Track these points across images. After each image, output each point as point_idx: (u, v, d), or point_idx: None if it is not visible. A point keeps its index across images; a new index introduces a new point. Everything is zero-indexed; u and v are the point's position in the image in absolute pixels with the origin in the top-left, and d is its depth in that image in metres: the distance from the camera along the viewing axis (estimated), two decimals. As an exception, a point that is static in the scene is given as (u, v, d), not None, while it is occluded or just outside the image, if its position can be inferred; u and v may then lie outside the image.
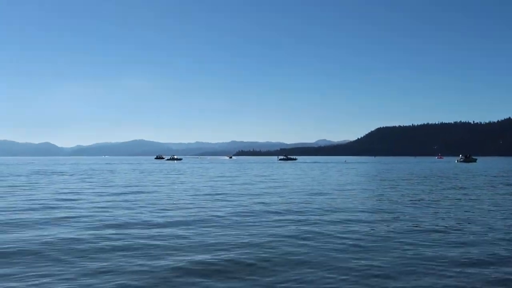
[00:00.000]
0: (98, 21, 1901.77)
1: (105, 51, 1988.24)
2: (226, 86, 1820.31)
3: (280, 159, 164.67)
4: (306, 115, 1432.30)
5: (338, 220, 15.90)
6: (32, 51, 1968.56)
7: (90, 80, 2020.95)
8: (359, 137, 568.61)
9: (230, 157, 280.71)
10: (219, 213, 17.51)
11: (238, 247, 11.43)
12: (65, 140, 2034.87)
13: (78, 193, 26.71)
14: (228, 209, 19.02)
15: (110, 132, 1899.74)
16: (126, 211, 18.15)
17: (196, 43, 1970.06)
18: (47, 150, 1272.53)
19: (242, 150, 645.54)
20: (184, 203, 21.17)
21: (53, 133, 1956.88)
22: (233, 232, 13.48)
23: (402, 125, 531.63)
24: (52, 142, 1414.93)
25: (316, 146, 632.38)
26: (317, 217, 16.43)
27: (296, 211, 18.16)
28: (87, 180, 41.03)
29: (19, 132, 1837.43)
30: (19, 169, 73.43)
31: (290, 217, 16.58)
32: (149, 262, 9.93)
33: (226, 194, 26.27)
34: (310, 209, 18.98)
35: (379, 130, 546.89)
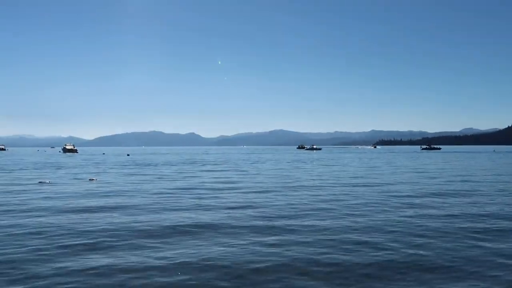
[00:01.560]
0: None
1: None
2: (367, 74, 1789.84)
3: (423, 149, 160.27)
4: (451, 102, 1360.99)
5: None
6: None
7: (235, 74, 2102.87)
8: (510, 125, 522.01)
9: (374, 147, 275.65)
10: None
11: None
12: (209, 130, 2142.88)
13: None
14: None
15: (252, 123, 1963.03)
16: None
17: (351, 36, 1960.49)
18: (193, 140, 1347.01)
19: (382, 140, 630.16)
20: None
21: (198, 124, 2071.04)
22: None
23: None
24: (197, 133, 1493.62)
25: (461, 134, 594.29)
26: None
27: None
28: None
29: (168, 123, 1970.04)
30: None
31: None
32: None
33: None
34: None
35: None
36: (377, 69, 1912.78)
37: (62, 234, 11.58)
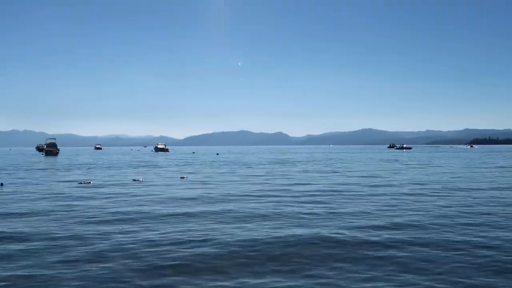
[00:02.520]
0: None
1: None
2: (456, 70, 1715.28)
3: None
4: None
5: None
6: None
7: (317, 73, 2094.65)
8: None
9: (471, 146, 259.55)
10: None
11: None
12: (297, 129, 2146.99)
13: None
14: None
15: (340, 122, 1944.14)
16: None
17: (425, 36, 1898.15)
18: (280, 139, 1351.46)
19: (477, 138, 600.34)
20: None
21: (286, 123, 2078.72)
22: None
23: None
24: (284, 132, 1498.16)
25: None
26: None
27: None
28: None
29: (256, 122, 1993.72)
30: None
31: None
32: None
33: None
34: None
35: None
36: (469, 61, 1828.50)
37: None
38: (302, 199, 18.16)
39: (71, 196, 19.59)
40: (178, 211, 15.00)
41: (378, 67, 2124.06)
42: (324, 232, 11.41)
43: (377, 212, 14.67)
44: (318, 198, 18.31)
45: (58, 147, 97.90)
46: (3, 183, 26.37)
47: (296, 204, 16.49)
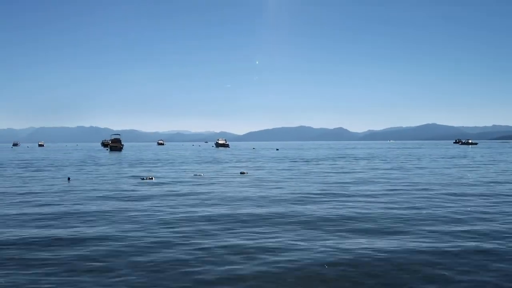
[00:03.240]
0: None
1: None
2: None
3: None
4: None
5: None
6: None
7: (379, 68, 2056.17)
8: None
9: None
10: None
11: None
12: (357, 125, 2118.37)
13: None
14: None
15: (402, 117, 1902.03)
16: None
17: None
18: (340, 134, 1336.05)
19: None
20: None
21: (346, 119, 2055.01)
22: None
23: None
24: (344, 127, 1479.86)
25: None
26: None
27: None
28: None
29: (316, 118, 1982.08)
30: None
31: None
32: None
33: None
34: None
35: None
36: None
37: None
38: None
39: (134, 193, 19.81)
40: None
41: (441, 61, 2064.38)
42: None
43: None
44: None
45: (122, 143, 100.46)
46: (70, 177, 27.13)
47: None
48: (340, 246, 9.62)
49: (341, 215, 13.43)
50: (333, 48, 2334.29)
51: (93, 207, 15.16)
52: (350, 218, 12.84)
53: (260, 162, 44.92)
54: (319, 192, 19.19)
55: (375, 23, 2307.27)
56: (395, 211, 14.07)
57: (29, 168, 37.40)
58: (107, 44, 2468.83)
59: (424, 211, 13.96)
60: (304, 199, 16.90)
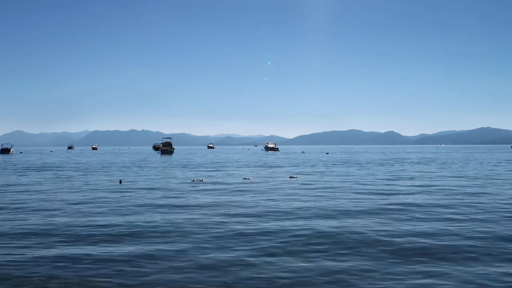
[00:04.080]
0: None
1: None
2: None
3: None
4: None
5: None
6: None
7: (431, 70, 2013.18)
8: None
9: None
10: None
11: None
12: (409, 128, 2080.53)
13: None
14: None
15: (455, 120, 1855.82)
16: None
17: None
18: (392, 138, 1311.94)
19: None
20: None
21: (398, 122, 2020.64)
22: None
23: None
24: (396, 131, 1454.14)
25: None
26: None
27: None
28: None
29: (366, 121, 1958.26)
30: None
31: None
32: None
33: None
34: None
35: None
36: None
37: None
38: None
39: (184, 192, 19.80)
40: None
41: (495, 63, 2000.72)
42: None
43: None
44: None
45: (173, 146, 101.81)
46: (122, 180, 27.50)
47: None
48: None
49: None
50: (384, 52, 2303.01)
51: (142, 217, 15.17)
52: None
53: (311, 166, 44.34)
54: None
55: (426, 27, 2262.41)
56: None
57: (85, 171, 38.23)
58: (163, 48, 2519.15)
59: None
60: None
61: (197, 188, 22.64)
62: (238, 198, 18.10)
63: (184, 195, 19.27)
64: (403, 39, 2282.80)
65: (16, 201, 17.49)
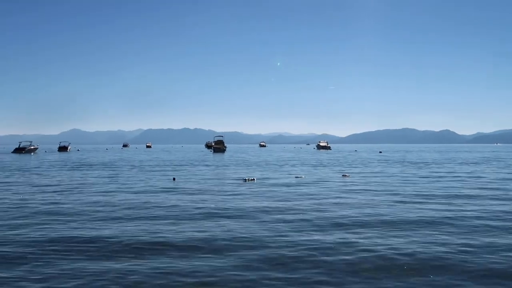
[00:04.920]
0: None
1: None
2: None
3: None
4: None
5: None
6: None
7: (487, 64, 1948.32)
8: None
9: None
10: None
11: None
12: (465, 127, 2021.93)
13: None
14: None
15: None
16: None
17: None
18: (447, 137, 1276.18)
19: None
20: None
21: (453, 121, 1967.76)
22: None
23: None
24: (451, 130, 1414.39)
25: None
26: None
27: None
28: None
29: (420, 120, 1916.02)
30: None
31: None
32: None
33: None
34: None
35: None
36: None
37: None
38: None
39: (236, 192, 19.86)
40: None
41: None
42: None
43: None
44: None
45: (225, 144, 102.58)
46: (175, 177, 27.95)
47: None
48: None
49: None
50: (438, 50, 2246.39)
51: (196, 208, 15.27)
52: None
53: (364, 166, 43.63)
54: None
55: (481, 25, 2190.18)
56: None
57: (141, 168, 39.06)
58: (216, 47, 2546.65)
59: None
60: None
61: (251, 189, 22.66)
62: (295, 202, 17.58)
63: (237, 197, 19.32)
64: (457, 39, 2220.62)
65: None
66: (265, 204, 16.22)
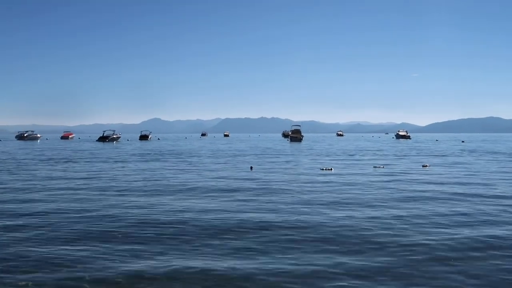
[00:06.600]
0: None
1: None
2: None
3: None
4: None
5: None
6: None
7: None
8: None
9: None
10: None
11: None
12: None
13: None
14: None
15: None
16: None
17: None
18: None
19: None
20: None
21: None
22: None
23: None
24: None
25: None
26: None
27: None
28: None
29: (505, 107, 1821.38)
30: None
31: None
32: None
33: None
34: None
35: None
36: None
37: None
38: None
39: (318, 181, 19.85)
40: None
41: None
42: None
43: None
44: None
45: (302, 134, 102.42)
46: (253, 166, 28.35)
47: None
48: None
49: None
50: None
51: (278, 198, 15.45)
52: None
53: (447, 156, 42.09)
54: None
55: None
56: None
57: (218, 157, 39.90)
58: (291, 35, 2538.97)
59: None
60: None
61: (327, 178, 22.59)
62: (377, 195, 17.21)
63: (317, 187, 19.34)
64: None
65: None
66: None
